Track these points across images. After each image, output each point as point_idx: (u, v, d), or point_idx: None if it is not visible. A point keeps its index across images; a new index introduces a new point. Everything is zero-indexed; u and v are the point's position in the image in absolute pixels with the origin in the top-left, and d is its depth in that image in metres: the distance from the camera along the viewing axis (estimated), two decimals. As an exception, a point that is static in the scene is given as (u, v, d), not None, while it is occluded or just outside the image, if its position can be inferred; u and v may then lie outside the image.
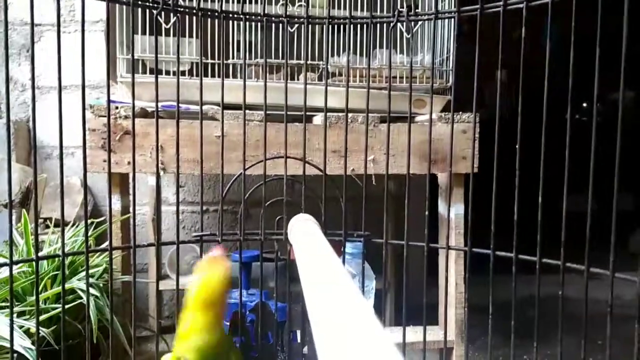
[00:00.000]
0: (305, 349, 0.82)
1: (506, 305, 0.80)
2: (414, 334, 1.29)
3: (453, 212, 1.16)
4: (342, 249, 0.87)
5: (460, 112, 1.18)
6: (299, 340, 0.83)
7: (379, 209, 0.88)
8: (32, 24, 0.69)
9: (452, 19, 0.82)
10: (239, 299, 0.83)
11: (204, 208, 1.70)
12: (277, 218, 0.78)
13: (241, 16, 0.79)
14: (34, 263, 0.77)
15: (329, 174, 0.87)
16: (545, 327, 0.80)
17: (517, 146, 0.76)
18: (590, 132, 0.71)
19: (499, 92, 0.84)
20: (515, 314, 0.80)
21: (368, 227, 0.88)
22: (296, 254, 0.55)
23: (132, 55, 0.78)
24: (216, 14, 0.79)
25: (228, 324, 0.82)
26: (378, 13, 0.81)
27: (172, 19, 1.16)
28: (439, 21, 1.22)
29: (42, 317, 1.06)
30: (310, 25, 0.80)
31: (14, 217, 1.46)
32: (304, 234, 0.60)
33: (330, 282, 0.37)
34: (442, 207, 1.27)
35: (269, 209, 0.83)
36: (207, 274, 0.64)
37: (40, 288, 0.74)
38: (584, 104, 3.57)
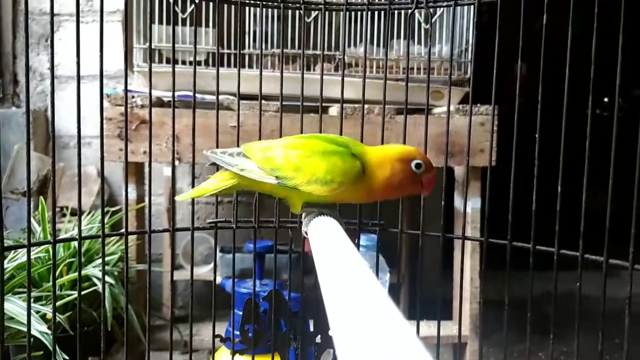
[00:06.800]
0: (318, 338, 0.82)
1: (522, 302, 0.79)
2: (428, 328, 1.28)
3: (470, 205, 1.15)
4: (356, 239, 0.87)
5: (479, 105, 1.16)
6: (312, 329, 0.83)
7: (394, 203, 0.87)
8: (52, 14, 0.69)
9: (472, 7, 0.81)
10: (253, 287, 0.83)
11: (219, 199, 1.71)
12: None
13: (258, 3, 0.78)
14: (50, 249, 0.77)
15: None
16: (562, 324, 0.79)
17: (536, 135, 0.74)
18: (611, 127, 0.69)
19: (518, 84, 0.82)
20: (532, 309, 0.79)
21: (383, 221, 0.87)
22: (311, 239, 0.54)
23: (150, 45, 0.78)
24: (233, 0, 0.79)
25: (241, 313, 0.82)
26: (396, 0, 0.80)
27: (189, 8, 1.16)
28: (458, 11, 1.20)
29: (58, 303, 1.08)
30: (327, 13, 0.79)
31: (31, 205, 1.47)
32: (319, 221, 0.60)
33: (347, 266, 0.37)
34: (458, 201, 1.26)
35: (282, 200, 0.82)
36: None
37: (56, 274, 0.75)
38: (605, 99, 3.50)
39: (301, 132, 0.86)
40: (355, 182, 0.61)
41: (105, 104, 1.13)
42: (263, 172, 0.63)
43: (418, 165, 0.62)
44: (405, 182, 0.62)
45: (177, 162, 1.23)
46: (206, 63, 1.31)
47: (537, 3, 0.73)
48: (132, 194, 1.22)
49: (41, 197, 1.33)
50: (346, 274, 0.36)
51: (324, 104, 0.86)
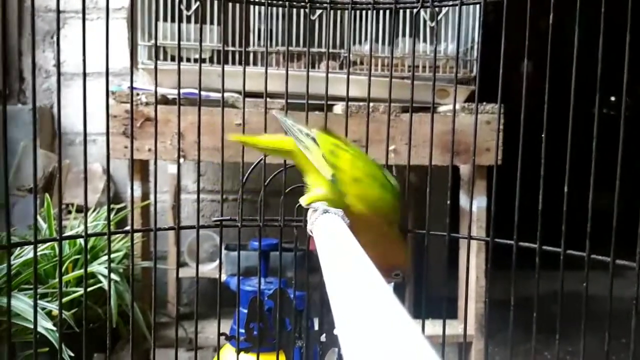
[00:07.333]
0: (323, 337, 0.82)
1: (527, 301, 0.78)
2: (433, 327, 1.28)
3: (475, 204, 1.15)
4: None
5: (485, 103, 1.16)
6: (317, 328, 0.83)
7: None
8: (58, 11, 0.69)
9: (478, 6, 0.80)
10: (258, 286, 0.83)
11: (224, 197, 1.71)
12: (297, 205, 0.78)
13: (263, 1, 0.78)
14: (56, 246, 0.78)
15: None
16: (568, 324, 0.79)
17: (542, 135, 0.74)
18: (618, 126, 0.69)
19: (525, 82, 0.82)
20: (537, 309, 0.78)
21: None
22: (316, 238, 0.54)
23: (155, 42, 0.78)
24: (238, -1, 0.79)
25: (246, 311, 0.82)
26: (402, -1, 0.79)
27: (194, 5, 1.16)
28: (464, 9, 1.19)
29: (63, 300, 1.08)
30: (332, 11, 0.79)
31: (37, 202, 1.48)
32: (325, 219, 0.59)
33: (352, 265, 0.37)
34: (463, 200, 1.25)
35: (288, 198, 0.82)
36: None
37: (62, 271, 0.76)
38: (612, 98, 3.47)
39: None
40: (387, 222, 0.67)
41: (111, 101, 1.13)
42: (325, 163, 0.65)
43: None
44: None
45: (182, 160, 1.23)
46: (211, 60, 1.31)
47: (543, 2, 0.73)
48: (137, 192, 1.22)
49: (47, 194, 1.33)
50: (351, 272, 0.36)
51: (329, 102, 0.85)
